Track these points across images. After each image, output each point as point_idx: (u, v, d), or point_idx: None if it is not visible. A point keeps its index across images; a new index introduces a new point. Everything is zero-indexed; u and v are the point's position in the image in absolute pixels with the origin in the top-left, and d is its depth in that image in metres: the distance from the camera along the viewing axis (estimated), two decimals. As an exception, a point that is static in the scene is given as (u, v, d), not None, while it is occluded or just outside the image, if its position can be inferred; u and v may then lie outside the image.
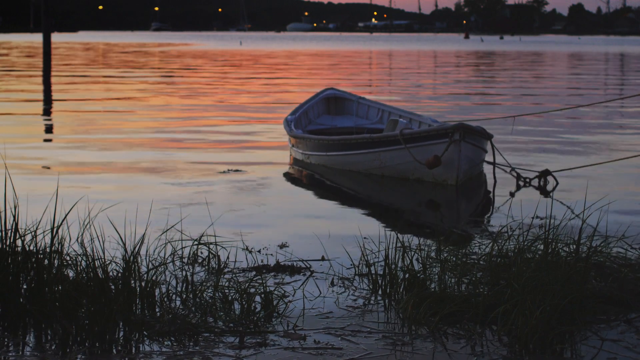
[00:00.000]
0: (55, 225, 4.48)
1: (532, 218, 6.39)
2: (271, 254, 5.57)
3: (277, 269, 5.19)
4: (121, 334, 4.09)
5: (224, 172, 8.81)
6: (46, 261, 4.41)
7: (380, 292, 4.75)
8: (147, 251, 4.84)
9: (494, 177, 8.57)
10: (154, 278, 4.46)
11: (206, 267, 5.18)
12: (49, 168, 8.98)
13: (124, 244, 4.47)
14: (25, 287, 4.40)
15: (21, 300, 4.33)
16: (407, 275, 4.71)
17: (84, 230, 4.61)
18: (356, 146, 8.73)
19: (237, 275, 5.01)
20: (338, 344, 4.01)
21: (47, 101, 17.55)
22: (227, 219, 6.49)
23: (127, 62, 37.43)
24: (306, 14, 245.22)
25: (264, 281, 4.60)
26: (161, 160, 9.56)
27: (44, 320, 4.19)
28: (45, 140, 11.51)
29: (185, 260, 5.24)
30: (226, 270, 5.13)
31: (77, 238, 4.65)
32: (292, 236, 6.11)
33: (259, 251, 5.64)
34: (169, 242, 5.10)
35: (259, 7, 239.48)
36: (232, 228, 6.14)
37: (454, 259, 4.94)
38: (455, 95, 20.11)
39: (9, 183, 5.23)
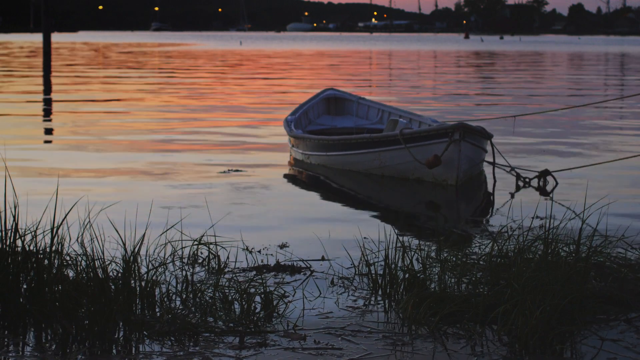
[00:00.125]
0: (55, 225, 4.48)
1: (532, 218, 6.38)
2: (271, 254, 5.57)
3: (277, 269, 5.19)
4: (121, 334, 4.09)
5: (224, 172, 8.82)
6: (46, 261, 4.41)
7: (380, 292, 4.75)
8: (147, 251, 4.84)
9: (494, 177, 8.57)
10: (154, 278, 4.46)
11: (206, 267, 5.18)
12: (48, 169, 8.98)
13: (124, 244, 4.47)
14: (25, 287, 4.40)
15: (21, 300, 4.33)
16: (407, 275, 4.71)
17: (84, 230, 4.60)
18: (356, 146, 8.73)
19: (237, 275, 5.01)
20: (338, 344, 4.01)
21: (47, 102, 17.55)
22: (227, 219, 6.49)
23: (127, 62, 37.43)
24: (306, 14, 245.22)
25: (264, 281, 4.60)
26: (161, 161, 9.56)
27: (44, 320, 4.19)
28: (46, 142, 11.50)
29: (185, 260, 5.24)
30: (226, 270, 5.13)
31: (77, 238, 4.65)
32: (292, 236, 6.11)
33: (259, 251, 5.64)
34: (169, 242, 5.10)
35: (259, 7, 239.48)
36: (232, 228, 6.14)
37: (454, 259, 4.94)
38: (455, 96, 20.12)
39: (9, 183, 5.23)
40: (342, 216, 7.00)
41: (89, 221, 4.65)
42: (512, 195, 7.89)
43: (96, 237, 4.50)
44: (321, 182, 8.65)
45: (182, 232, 5.28)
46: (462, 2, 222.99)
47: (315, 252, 5.58)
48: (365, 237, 5.76)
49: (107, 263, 4.42)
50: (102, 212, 5.18)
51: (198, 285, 4.60)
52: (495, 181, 8.49)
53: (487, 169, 8.85)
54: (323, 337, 4.09)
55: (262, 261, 5.36)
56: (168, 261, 5.06)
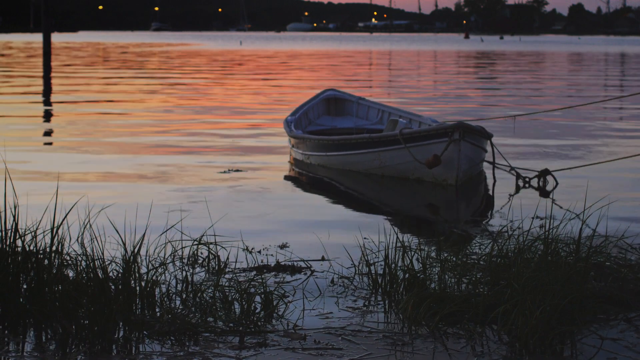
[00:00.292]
0: (55, 225, 4.48)
1: (532, 218, 6.38)
2: (271, 254, 5.57)
3: (277, 269, 5.19)
4: (121, 333, 4.09)
5: (224, 172, 8.82)
6: (46, 261, 4.41)
7: (380, 292, 4.75)
8: (147, 251, 4.83)
9: (494, 177, 8.58)
10: (154, 278, 4.46)
11: (206, 267, 5.18)
12: (48, 170, 8.97)
13: (124, 244, 4.47)
14: (25, 287, 4.40)
15: (21, 300, 4.33)
16: (407, 275, 4.71)
17: (84, 230, 4.60)
18: (356, 146, 8.73)
19: (237, 275, 5.01)
20: (338, 344, 4.01)
21: (47, 102, 17.54)
22: (227, 219, 6.49)
23: (127, 62, 37.44)
24: (306, 14, 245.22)
25: (264, 281, 4.60)
26: (161, 161, 9.56)
27: (44, 320, 4.19)
28: (46, 144, 11.49)
29: (185, 260, 5.24)
30: (226, 270, 5.13)
31: (77, 238, 4.65)
32: (292, 236, 6.11)
33: (259, 251, 5.64)
34: (169, 242, 5.10)
35: (259, 7, 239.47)
36: (232, 228, 6.14)
37: (454, 259, 4.94)
38: (455, 96, 20.12)
39: (9, 183, 5.23)
40: (342, 216, 7.00)
41: (89, 221, 4.65)
42: (512, 195, 7.89)
43: (96, 237, 4.50)
44: (321, 182, 8.65)
45: (182, 232, 5.28)
46: (462, 2, 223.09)
47: (315, 252, 5.58)
48: (365, 237, 5.76)
49: (107, 263, 4.42)
50: (102, 212, 5.18)
51: (198, 285, 4.60)
52: (495, 181, 8.49)
53: (487, 169, 8.85)
54: (323, 337, 4.09)
55: (262, 261, 5.36)
56: (168, 261, 5.05)
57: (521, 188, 8.21)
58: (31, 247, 4.47)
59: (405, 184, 8.28)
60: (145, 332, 4.09)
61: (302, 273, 5.14)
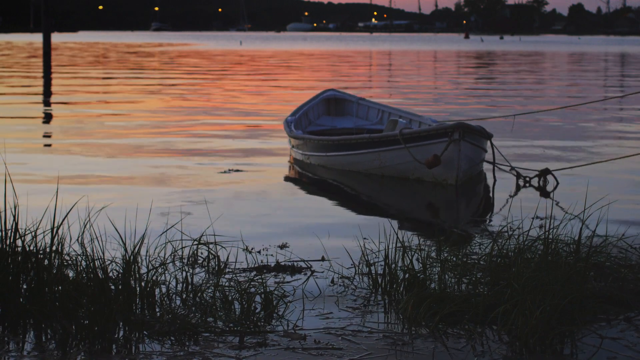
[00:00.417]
0: (55, 225, 4.48)
1: (532, 218, 6.38)
2: (271, 254, 5.57)
3: (277, 269, 5.19)
4: (121, 334, 4.09)
5: (224, 172, 8.82)
6: (46, 261, 4.41)
7: (380, 292, 4.75)
8: (147, 251, 4.84)
9: (494, 177, 8.58)
10: (154, 278, 4.46)
11: (206, 267, 5.18)
12: (48, 170, 8.97)
13: (124, 244, 4.47)
14: (25, 287, 4.40)
15: (21, 300, 4.33)
16: (407, 275, 4.71)
17: (84, 230, 4.61)
18: (356, 146, 8.73)
19: (237, 275, 5.01)
20: (338, 344, 4.01)
21: (47, 103, 17.53)
22: (227, 219, 6.49)
23: (127, 62, 37.44)
24: (306, 14, 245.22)
25: (264, 281, 4.60)
26: (161, 161, 9.56)
27: (44, 320, 4.19)
28: (45, 146, 11.49)
29: (185, 260, 5.24)
30: (226, 270, 5.13)
31: (77, 238, 4.65)
32: (292, 236, 6.11)
33: (259, 251, 5.64)
34: (169, 242, 5.10)
35: (259, 7, 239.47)
36: (232, 228, 6.14)
37: (454, 259, 4.94)
38: (455, 96, 20.12)
39: (9, 183, 5.23)
40: (342, 216, 7.00)
41: (89, 221, 4.65)
42: (513, 195, 7.89)
43: (96, 237, 4.50)
44: (321, 182, 8.65)
45: (182, 232, 5.28)
46: (462, 2, 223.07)
47: (315, 252, 5.58)
48: (365, 237, 5.76)
49: (107, 263, 4.42)
50: (102, 212, 5.18)
51: (198, 285, 4.60)
52: (495, 181, 8.49)
53: (487, 169, 8.85)
54: (323, 337, 4.09)
55: (262, 261, 5.36)
56: (168, 261, 5.05)
57: (522, 187, 8.21)
58: (31, 247, 4.47)
59: (405, 184, 8.28)
60: (145, 332, 4.09)
61: (302, 273, 5.14)
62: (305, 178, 8.90)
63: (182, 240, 5.22)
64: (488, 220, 6.94)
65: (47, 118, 14.60)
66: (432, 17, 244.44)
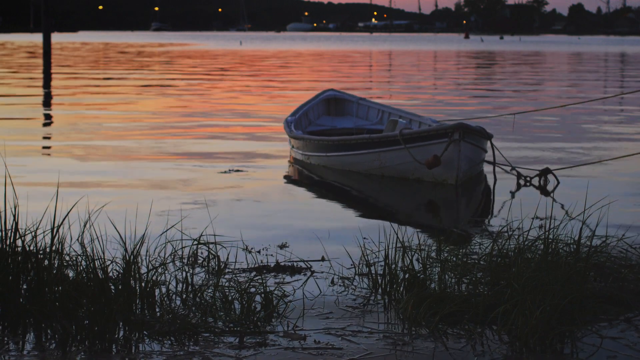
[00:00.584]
0: (55, 225, 4.48)
1: (532, 218, 6.38)
2: (271, 254, 5.57)
3: (277, 269, 5.19)
4: (121, 334, 4.09)
5: (224, 172, 8.82)
6: (46, 261, 4.41)
7: (380, 292, 4.75)
8: (147, 251, 4.84)
9: (494, 177, 8.58)
10: (154, 278, 4.46)
11: (206, 267, 5.18)
12: (48, 171, 8.97)
13: (124, 244, 4.47)
14: (25, 287, 4.40)
15: (21, 300, 4.33)
16: (407, 275, 4.71)
17: (84, 230, 4.60)
18: (356, 147, 8.73)
19: (237, 275, 5.01)
20: (338, 344, 4.01)
21: (47, 104, 17.53)
22: (227, 219, 6.49)
23: (127, 63, 37.43)
24: (306, 14, 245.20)
25: (264, 281, 4.60)
26: (161, 161, 9.56)
27: (44, 320, 4.19)
28: (45, 147, 11.48)
29: (185, 260, 5.24)
30: (226, 270, 5.13)
31: (77, 238, 4.65)
32: (292, 236, 6.11)
33: (259, 251, 5.64)
34: (169, 242, 5.10)
35: (259, 7, 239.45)
36: (232, 228, 6.14)
37: (454, 259, 4.94)
38: (455, 96, 20.11)
39: (9, 184, 5.23)
40: (342, 216, 7.00)
41: (89, 221, 4.65)
42: (513, 195, 7.89)
43: (96, 237, 4.50)
44: (321, 182, 8.65)
45: (182, 232, 5.28)
46: (462, 2, 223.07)
47: (315, 252, 5.58)
48: (365, 237, 5.76)
49: (107, 263, 4.42)
50: (102, 212, 5.18)
51: (198, 285, 4.60)
52: (495, 180, 8.49)
53: (488, 169, 8.85)
54: (323, 337, 4.09)
55: (262, 261, 5.36)
56: (168, 261, 5.05)
57: (522, 187, 8.21)
58: (31, 247, 4.47)
59: (405, 184, 8.28)
60: (145, 332, 4.09)
61: (302, 273, 5.14)
62: (305, 178, 8.89)
63: (182, 240, 5.22)
64: (488, 220, 6.94)
65: (47, 119, 14.60)
66: (432, 17, 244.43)
